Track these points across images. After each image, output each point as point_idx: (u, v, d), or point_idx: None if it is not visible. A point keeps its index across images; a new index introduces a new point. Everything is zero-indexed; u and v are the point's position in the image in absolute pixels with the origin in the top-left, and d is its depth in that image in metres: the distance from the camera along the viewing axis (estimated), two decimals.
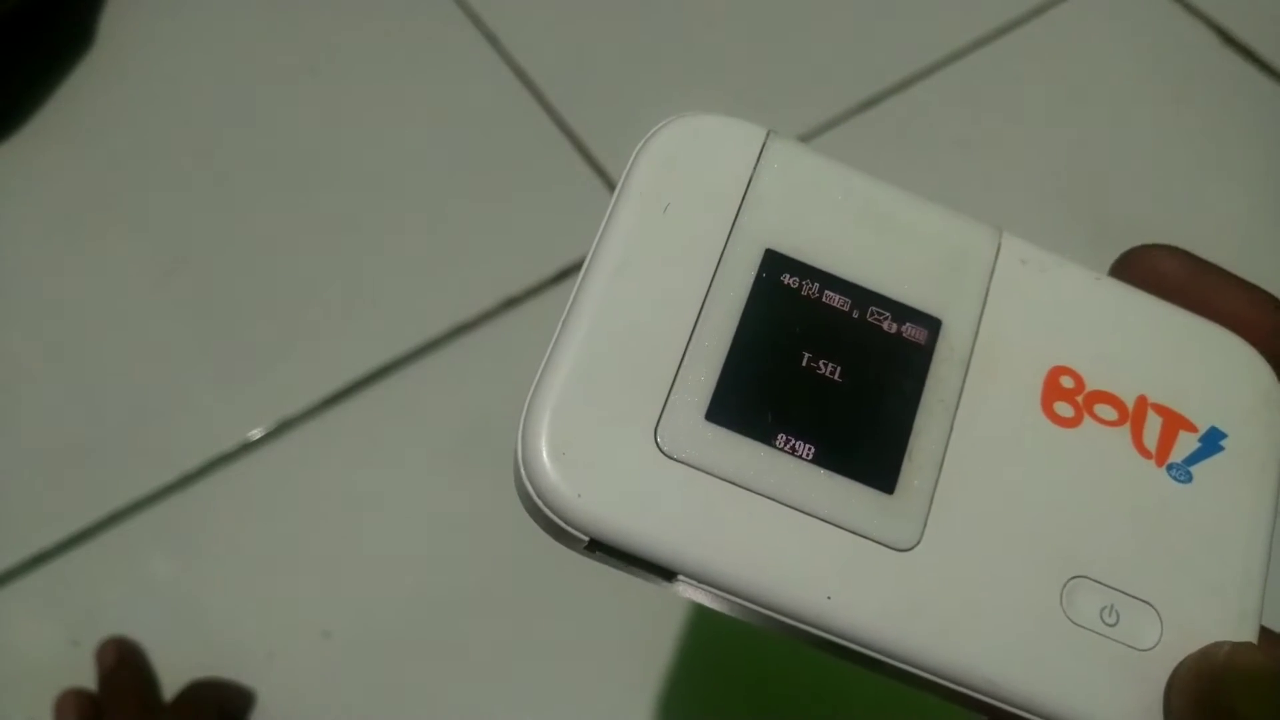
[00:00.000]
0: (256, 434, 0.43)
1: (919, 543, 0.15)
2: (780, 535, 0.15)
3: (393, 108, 0.52)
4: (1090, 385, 0.16)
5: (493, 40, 0.53)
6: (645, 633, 0.40)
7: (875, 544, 0.15)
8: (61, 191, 0.49)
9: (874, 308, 0.16)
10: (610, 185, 0.49)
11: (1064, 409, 0.16)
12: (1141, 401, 0.16)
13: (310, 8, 0.54)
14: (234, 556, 0.41)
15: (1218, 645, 0.15)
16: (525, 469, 0.15)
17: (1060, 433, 0.16)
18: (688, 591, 0.15)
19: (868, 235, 0.16)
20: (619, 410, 0.15)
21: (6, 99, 0.51)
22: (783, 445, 0.15)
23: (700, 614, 0.40)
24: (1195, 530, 0.16)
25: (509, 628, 0.40)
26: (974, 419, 0.16)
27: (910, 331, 0.16)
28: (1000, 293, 0.16)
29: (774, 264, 0.16)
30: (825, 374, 0.15)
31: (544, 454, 0.14)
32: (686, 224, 0.16)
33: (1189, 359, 0.17)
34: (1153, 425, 0.16)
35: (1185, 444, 0.16)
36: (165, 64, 0.53)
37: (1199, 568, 0.16)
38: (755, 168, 0.16)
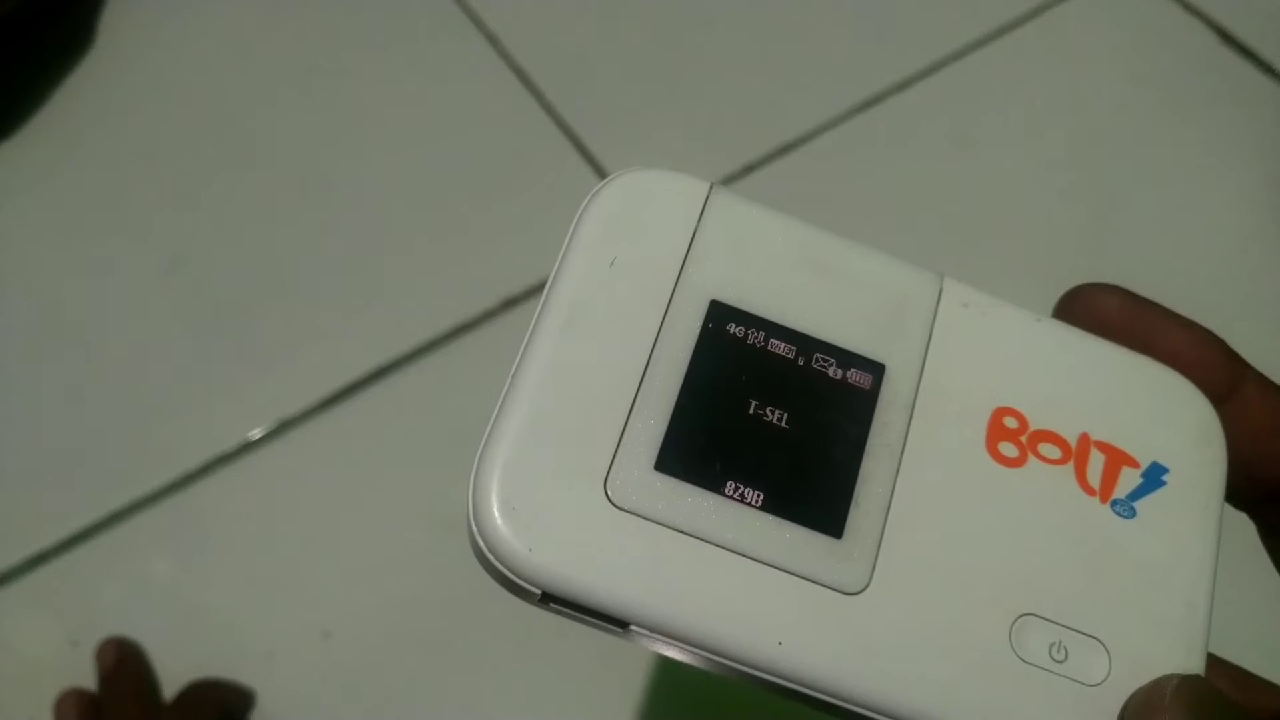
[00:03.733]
0: (257, 434, 0.43)
1: (868, 586, 0.15)
2: (730, 583, 0.15)
3: (393, 108, 0.52)
4: (1034, 425, 0.16)
5: (493, 40, 0.53)
6: None
7: (824, 588, 0.15)
8: (61, 191, 0.49)
9: (818, 354, 0.16)
10: None
11: (1008, 449, 0.16)
12: (1084, 439, 0.16)
13: (310, 8, 0.55)
14: (234, 556, 0.41)
15: (1167, 678, 0.15)
16: (476, 524, 0.15)
17: (1005, 472, 0.16)
18: (641, 641, 0.15)
19: (810, 283, 0.16)
20: (568, 463, 0.15)
21: (7, 99, 0.51)
22: (731, 493, 0.15)
23: None
24: (1140, 564, 0.16)
25: (509, 628, 0.40)
26: (919, 462, 0.16)
27: (855, 377, 0.16)
28: (943, 337, 0.17)
29: (719, 314, 0.16)
30: (772, 421, 0.16)
31: (494, 509, 0.15)
32: (632, 278, 0.16)
33: (1130, 396, 0.17)
34: (1096, 462, 0.16)
35: (1128, 480, 0.16)
36: (165, 64, 0.53)
37: (1145, 601, 0.16)
38: (699, 221, 0.16)
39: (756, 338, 0.16)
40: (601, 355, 0.15)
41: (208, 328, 0.46)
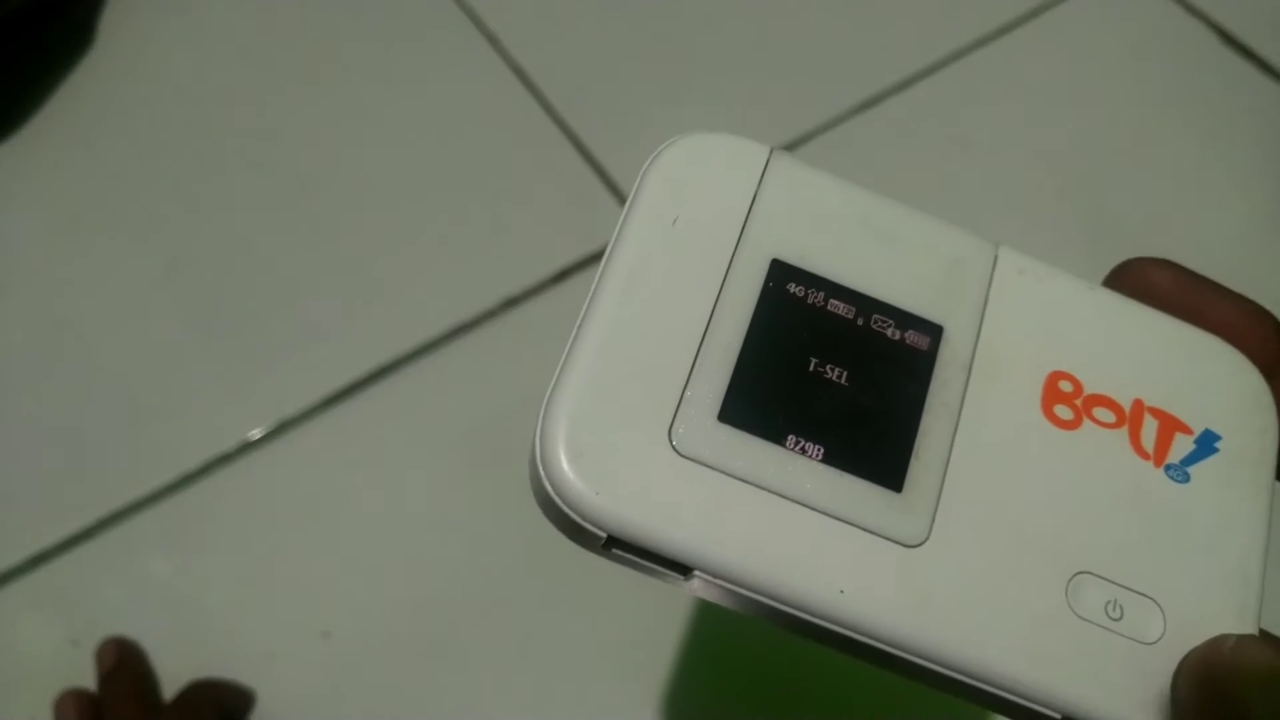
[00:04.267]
0: (256, 434, 0.43)
1: (927, 539, 0.15)
2: (793, 532, 0.15)
3: (392, 108, 0.52)
4: (1088, 389, 0.17)
5: (493, 40, 0.53)
6: (644, 636, 0.40)
7: (885, 540, 0.15)
8: (61, 191, 0.49)
9: (877, 315, 0.16)
10: (610, 185, 0.49)
11: (1063, 412, 0.17)
12: (1138, 405, 0.17)
13: (310, 8, 0.55)
14: (234, 556, 0.41)
15: (1224, 637, 0.15)
16: (544, 468, 0.15)
17: (1061, 434, 0.16)
18: (702, 589, 0.15)
19: (870, 247, 0.17)
20: (634, 412, 0.15)
21: (6, 99, 0.51)
22: (793, 445, 0.15)
23: (700, 619, 0.40)
24: (1194, 528, 0.16)
25: (508, 628, 0.40)
26: (977, 421, 0.16)
27: (913, 338, 0.16)
28: (999, 301, 0.17)
29: (780, 273, 0.16)
30: (833, 378, 0.16)
31: (562, 454, 0.15)
32: (695, 236, 0.16)
33: (1182, 365, 0.17)
34: (1149, 428, 0.17)
35: (1181, 446, 0.17)
36: (165, 64, 0.53)
37: (1199, 564, 0.16)
38: (760, 183, 0.17)
39: (817, 297, 0.16)
40: (666, 310, 0.16)
41: (208, 327, 0.46)
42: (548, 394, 0.15)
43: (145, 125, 0.51)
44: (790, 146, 0.51)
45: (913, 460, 0.16)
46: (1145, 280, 0.18)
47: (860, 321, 0.16)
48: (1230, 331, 0.17)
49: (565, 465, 0.15)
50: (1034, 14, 0.55)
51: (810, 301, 0.16)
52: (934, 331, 0.17)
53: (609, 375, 0.15)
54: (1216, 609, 0.16)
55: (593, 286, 0.16)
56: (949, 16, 0.55)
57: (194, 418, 0.44)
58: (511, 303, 0.46)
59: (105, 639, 0.39)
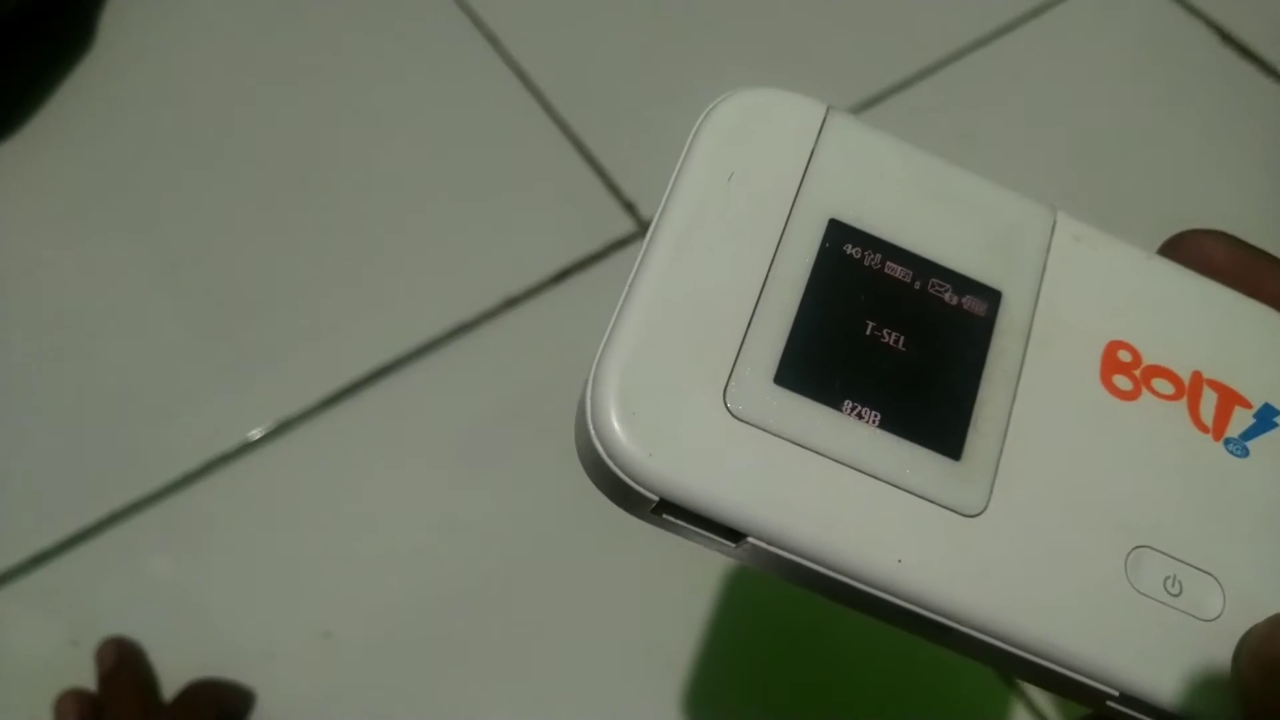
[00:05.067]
0: (256, 434, 0.43)
1: (985, 509, 0.15)
2: (850, 498, 0.15)
3: (393, 107, 0.52)
4: (1147, 359, 0.16)
5: (493, 40, 0.53)
6: (648, 636, 0.40)
7: (942, 509, 0.15)
8: (62, 191, 0.49)
9: (935, 279, 0.16)
10: (609, 184, 0.49)
11: (1122, 382, 0.16)
12: (1197, 377, 0.16)
13: (310, 8, 0.55)
14: (234, 556, 0.41)
15: None
16: (595, 429, 0.15)
17: (1120, 405, 0.16)
18: (752, 556, 0.15)
19: (928, 209, 0.16)
20: (687, 373, 0.15)
21: (7, 99, 0.51)
22: (849, 410, 0.15)
23: (714, 619, 0.40)
24: (1255, 504, 0.16)
25: (508, 628, 0.40)
26: (1036, 389, 0.16)
27: (971, 303, 0.16)
28: (1057, 268, 0.17)
29: (838, 234, 0.16)
30: (890, 343, 0.15)
31: (613, 415, 0.14)
32: (750, 193, 0.16)
33: (1242, 338, 0.17)
34: (1208, 400, 0.16)
35: (1241, 419, 0.16)
36: (165, 64, 0.53)
37: (1259, 541, 0.16)
38: (817, 140, 0.16)
39: (875, 259, 0.16)
40: (720, 268, 0.15)
41: (207, 327, 0.46)
42: (598, 354, 0.15)
43: (145, 124, 0.51)
44: None
45: (971, 428, 0.15)
46: (1201, 252, 0.17)
47: (918, 285, 0.16)
48: None
49: (617, 426, 0.14)
50: (1034, 14, 0.55)
51: (868, 263, 0.16)
52: (992, 297, 0.16)
53: (662, 335, 0.15)
54: (1277, 586, 0.16)
55: (645, 243, 0.16)
56: (950, 16, 0.55)
57: (194, 417, 0.44)
58: (512, 302, 0.46)
59: (105, 639, 0.39)
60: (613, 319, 0.15)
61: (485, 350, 0.45)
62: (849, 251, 0.16)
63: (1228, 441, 0.16)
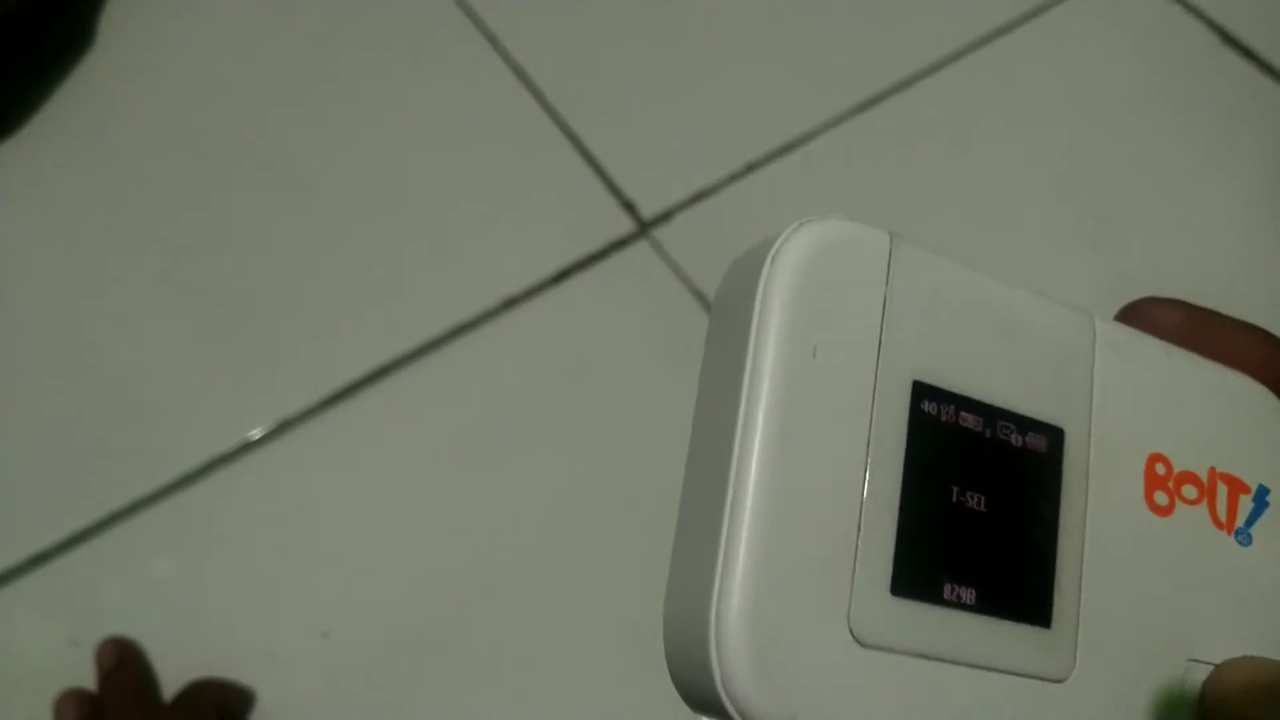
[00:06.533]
0: (256, 434, 0.43)
1: (1074, 669, 0.15)
2: (964, 697, 0.14)
3: (392, 108, 0.52)
4: (1177, 468, 0.16)
5: (493, 40, 0.53)
6: (648, 634, 0.40)
7: (1041, 680, 0.15)
8: (62, 191, 0.49)
9: (1009, 427, 0.15)
10: (609, 184, 0.49)
11: (1160, 498, 0.16)
12: (1212, 474, 0.17)
13: (310, 9, 0.55)
14: (234, 556, 0.41)
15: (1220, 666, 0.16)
16: (729, 688, 0.13)
17: (1161, 523, 0.16)
18: None
19: (990, 345, 0.15)
20: (813, 606, 0.13)
21: (7, 99, 0.51)
22: (956, 601, 0.14)
23: None
24: (1259, 588, 0.16)
25: (507, 628, 0.40)
26: (1100, 530, 0.16)
27: (1041, 448, 0.15)
28: (1101, 387, 0.16)
29: (922, 396, 0.15)
30: (974, 506, 0.15)
31: (752, 673, 0.13)
32: (836, 367, 0.14)
33: (1235, 418, 0.17)
34: (1221, 495, 0.17)
35: (1244, 507, 0.17)
36: (165, 64, 0.53)
37: (1267, 625, 0.16)
38: (887, 285, 0.15)
39: (951, 414, 0.15)
40: (821, 469, 0.14)
41: (208, 327, 0.46)
42: (715, 596, 0.13)
43: (146, 125, 0.51)
44: (791, 147, 0.51)
45: (1056, 591, 0.15)
46: (1154, 320, 0.18)
47: (990, 434, 0.15)
48: (1240, 357, 0.17)
49: (757, 686, 0.13)
50: (1034, 14, 0.55)
51: (946, 420, 0.15)
52: (1057, 437, 0.15)
53: (780, 567, 0.13)
54: None
55: (736, 441, 0.14)
56: (949, 17, 0.55)
57: (194, 417, 0.44)
58: (511, 302, 0.46)
59: (105, 639, 0.39)
60: (720, 549, 0.13)
61: (485, 350, 0.45)
62: (930, 411, 0.15)
63: (1237, 533, 0.17)
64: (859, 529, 0.14)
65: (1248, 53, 0.54)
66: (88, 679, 0.38)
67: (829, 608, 0.13)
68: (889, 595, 0.14)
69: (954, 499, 0.14)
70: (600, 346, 0.45)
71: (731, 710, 0.13)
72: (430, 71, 0.53)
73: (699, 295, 0.47)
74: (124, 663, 0.38)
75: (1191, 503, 0.16)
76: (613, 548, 0.41)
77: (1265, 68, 0.53)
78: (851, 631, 0.13)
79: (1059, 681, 0.15)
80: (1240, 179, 0.51)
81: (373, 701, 0.39)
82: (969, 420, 0.15)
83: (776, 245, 0.14)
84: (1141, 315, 0.18)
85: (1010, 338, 0.15)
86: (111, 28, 0.54)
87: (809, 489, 0.14)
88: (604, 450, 0.43)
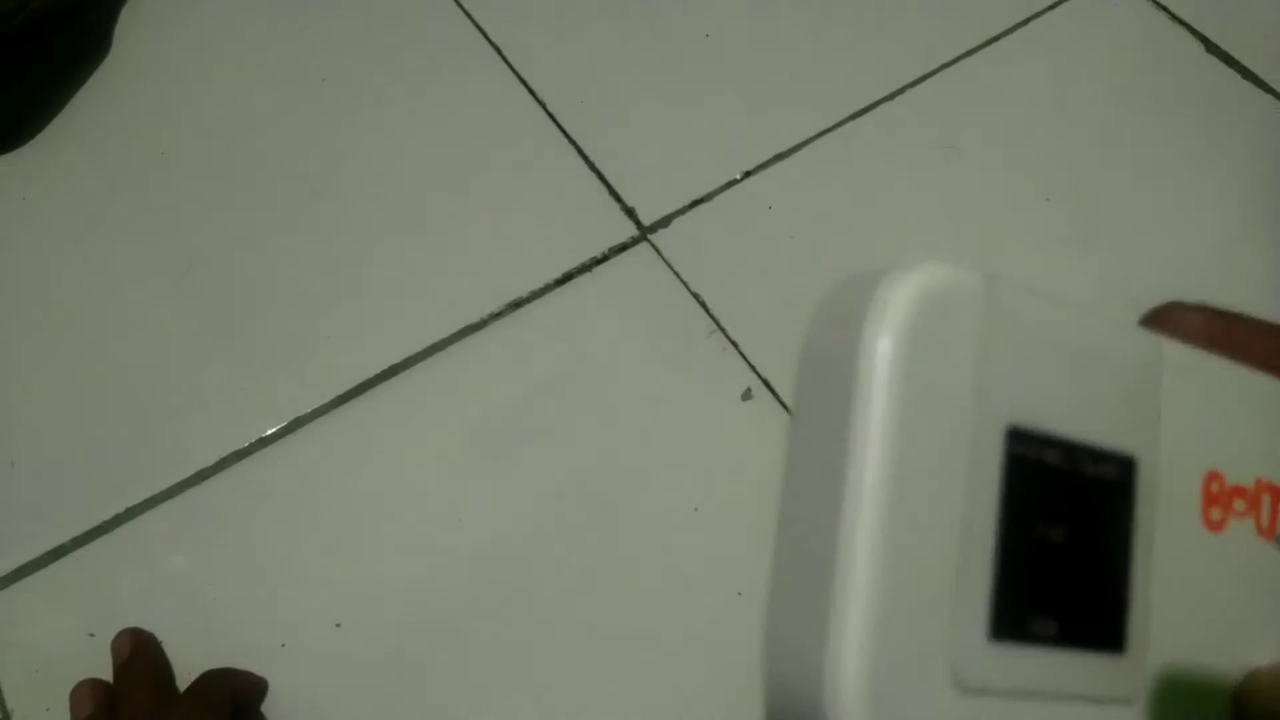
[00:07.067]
0: (270, 431, 0.44)
1: (1142, 691, 0.15)
2: None
3: (404, 117, 0.52)
4: (1229, 483, 0.17)
5: (499, 50, 0.54)
6: (655, 629, 0.41)
7: (1115, 705, 0.15)
8: (78, 195, 0.50)
9: (1088, 460, 0.15)
10: (612, 191, 0.50)
11: (1215, 514, 0.16)
12: (1259, 485, 0.17)
13: (320, 17, 0.55)
14: (248, 550, 0.42)
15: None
16: None
17: (1216, 540, 0.16)
18: None
19: (1075, 382, 0.15)
20: (919, 659, 0.14)
21: (24, 105, 0.51)
22: (1043, 636, 0.15)
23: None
24: None
25: (515, 619, 0.41)
26: (1165, 553, 0.16)
27: (1120, 478, 0.16)
28: (1166, 410, 0.16)
29: (1016, 441, 0.15)
30: (1060, 543, 0.15)
31: (859, 717, 0.13)
32: (936, 415, 0.14)
33: (1271, 424, 0.17)
34: (1265, 505, 0.17)
35: None
36: (179, 70, 0.53)
37: None
38: (982, 329, 0.15)
39: (1040, 455, 0.15)
40: (926, 520, 0.14)
41: (223, 328, 0.46)
42: (829, 646, 0.13)
43: (159, 130, 0.51)
44: (785, 154, 0.51)
45: (1129, 618, 0.15)
46: (1180, 325, 0.18)
47: (1081, 474, 0.15)
48: (1269, 359, 0.18)
49: None
50: (1022, 23, 0.56)
51: (1036, 461, 0.15)
52: (1130, 465, 0.16)
53: (892, 624, 0.13)
54: None
55: (843, 495, 0.14)
56: (938, 25, 0.55)
57: (209, 415, 0.44)
58: (517, 304, 0.47)
59: (121, 630, 0.39)
60: (832, 596, 0.13)
61: (492, 351, 0.46)
62: (1027, 456, 0.15)
63: (1277, 539, 0.17)
64: (958, 578, 0.14)
65: (1231, 60, 0.55)
66: (104, 670, 0.39)
67: (934, 656, 0.14)
68: (987, 640, 0.14)
69: (1040, 536, 0.15)
70: (602, 345, 0.46)
71: None
72: (438, 80, 0.53)
73: (696, 297, 0.47)
74: (139, 653, 0.39)
75: (1240, 515, 0.16)
76: (614, 544, 0.42)
77: (1248, 75, 0.54)
78: (954, 678, 0.14)
79: (1128, 704, 0.15)
80: (1225, 184, 0.51)
81: (383, 691, 0.40)
82: (1053, 457, 0.15)
83: (878, 292, 0.14)
84: (1166, 321, 0.18)
85: (1089, 370, 0.16)
86: (126, 35, 0.54)
87: (913, 540, 0.14)
88: (606, 445, 0.44)
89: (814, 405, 0.14)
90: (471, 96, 0.53)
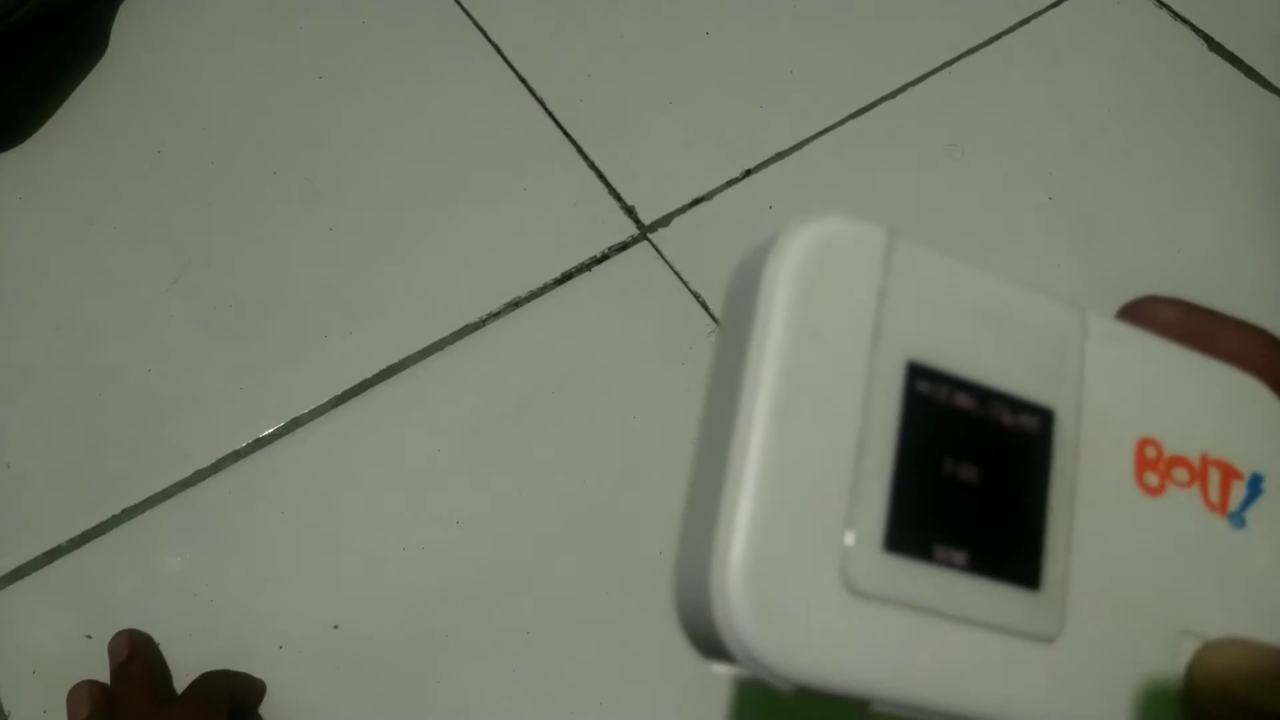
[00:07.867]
0: (268, 431, 0.44)
1: (1062, 631, 0.16)
2: (957, 651, 0.15)
3: (404, 117, 0.52)
4: (1168, 452, 0.17)
5: (499, 49, 0.54)
6: (645, 631, 0.41)
7: (1030, 640, 0.16)
8: (76, 194, 0.50)
9: (1001, 407, 0.16)
10: (611, 190, 0.50)
11: (1151, 479, 0.17)
12: (1204, 460, 0.17)
13: (319, 15, 0.55)
14: (245, 551, 0.42)
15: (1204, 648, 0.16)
16: (727, 630, 0.14)
17: (1151, 503, 0.17)
18: (878, 711, 0.16)
19: (985, 333, 0.16)
20: (807, 557, 0.15)
21: (21, 103, 0.51)
22: (947, 561, 0.15)
23: None
24: (1257, 572, 0.17)
25: (512, 621, 0.41)
26: (1089, 504, 0.16)
27: (1033, 427, 0.16)
28: (1091, 374, 0.17)
29: (916, 376, 0.16)
30: (970, 480, 0.16)
31: (752, 616, 0.14)
32: (833, 346, 0.15)
33: (1229, 409, 0.18)
34: (1213, 480, 0.17)
35: (1237, 492, 0.17)
36: (177, 69, 0.53)
37: (1267, 610, 0.17)
38: (884, 275, 0.16)
39: (947, 396, 0.16)
40: (818, 435, 0.15)
41: (220, 327, 0.46)
42: (713, 542, 0.14)
43: (157, 129, 0.51)
44: (785, 153, 0.52)
45: (1045, 556, 0.16)
46: (1154, 318, 0.18)
47: (987, 417, 0.16)
48: (1239, 355, 0.18)
49: (756, 629, 0.14)
50: (1022, 22, 0.56)
51: (944, 402, 0.16)
52: (1048, 417, 0.16)
53: (778, 518, 0.14)
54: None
55: (737, 409, 0.15)
56: (938, 25, 0.55)
57: (207, 415, 0.44)
58: (516, 304, 0.47)
59: (118, 632, 0.39)
60: (719, 506, 0.15)
61: (491, 350, 0.46)
62: (926, 392, 0.16)
63: (1231, 516, 0.17)
64: (853, 492, 0.15)
65: (1233, 58, 0.55)
66: (101, 671, 0.39)
67: (824, 560, 0.15)
68: (881, 551, 0.15)
69: (947, 470, 0.16)
70: (602, 345, 0.46)
71: (734, 652, 0.14)
72: (437, 79, 0.53)
73: (696, 296, 0.47)
74: (136, 655, 0.39)
75: (1183, 485, 0.17)
76: (615, 541, 0.42)
77: (1250, 72, 0.54)
78: (845, 581, 0.15)
79: (1048, 642, 0.16)
80: (1226, 182, 0.51)
81: (381, 693, 0.40)
82: (962, 400, 0.16)
83: (779, 240, 0.16)
84: (1141, 313, 0.18)
85: (1004, 326, 0.17)
86: (124, 33, 0.54)
87: (807, 456, 0.15)
88: (606, 444, 0.44)
89: (725, 342, 0.16)
90: (471, 95, 0.53)
